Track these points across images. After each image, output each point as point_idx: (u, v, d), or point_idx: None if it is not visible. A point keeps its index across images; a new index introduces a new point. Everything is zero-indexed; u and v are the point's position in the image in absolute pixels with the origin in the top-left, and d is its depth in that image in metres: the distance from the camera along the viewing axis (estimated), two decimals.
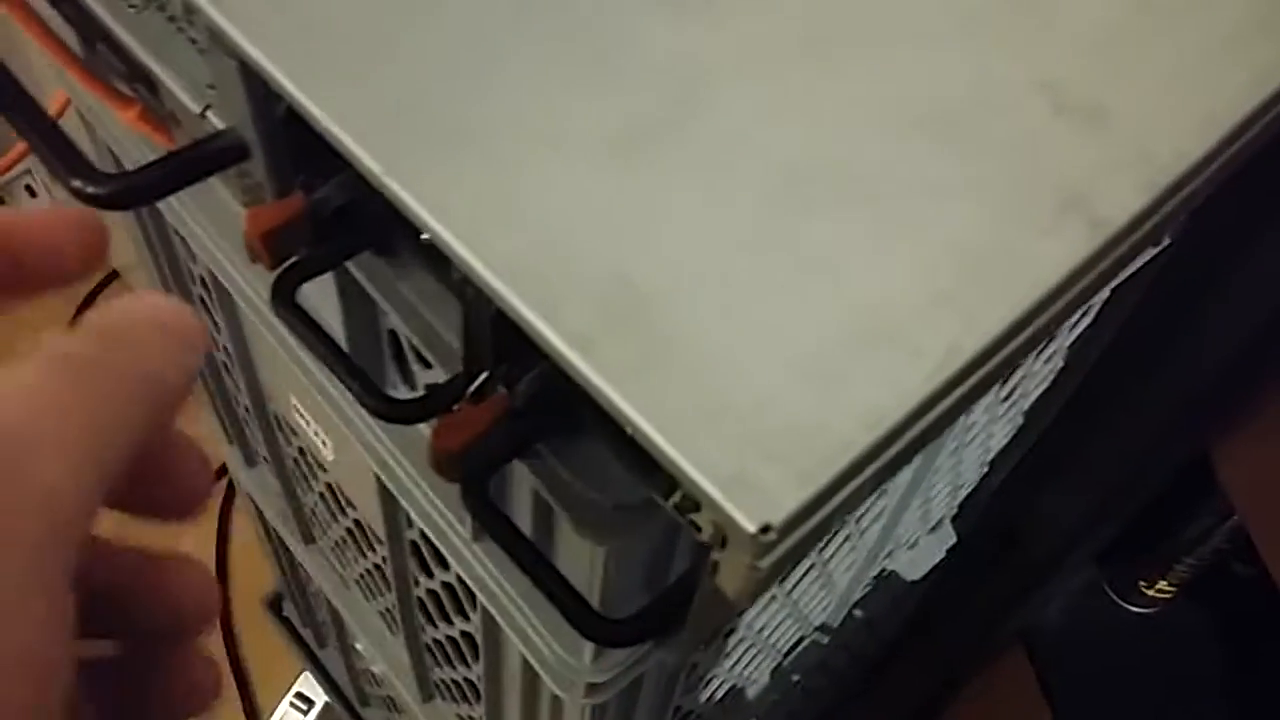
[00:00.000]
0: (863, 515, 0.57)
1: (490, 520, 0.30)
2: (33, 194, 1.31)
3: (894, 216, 0.24)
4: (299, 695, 1.06)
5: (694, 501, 0.26)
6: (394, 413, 0.31)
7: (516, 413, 0.29)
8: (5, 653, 0.14)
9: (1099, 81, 0.27)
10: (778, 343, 0.22)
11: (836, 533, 0.50)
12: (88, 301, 1.26)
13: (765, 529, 0.20)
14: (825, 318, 0.23)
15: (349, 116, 0.25)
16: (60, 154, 0.30)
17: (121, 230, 0.62)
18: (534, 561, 0.30)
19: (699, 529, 0.26)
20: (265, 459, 0.72)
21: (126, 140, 0.51)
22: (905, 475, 0.57)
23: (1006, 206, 0.25)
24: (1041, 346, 0.57)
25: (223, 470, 1.14)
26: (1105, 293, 0.56)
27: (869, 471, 0.22)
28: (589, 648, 0.40)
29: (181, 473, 0.20)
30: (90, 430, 0.16)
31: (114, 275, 1.27)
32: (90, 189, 0.29)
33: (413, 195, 0.24)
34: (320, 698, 1.06)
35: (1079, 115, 0.26)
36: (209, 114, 0.32)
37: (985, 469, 0.74)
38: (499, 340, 0.28)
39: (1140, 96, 0.27)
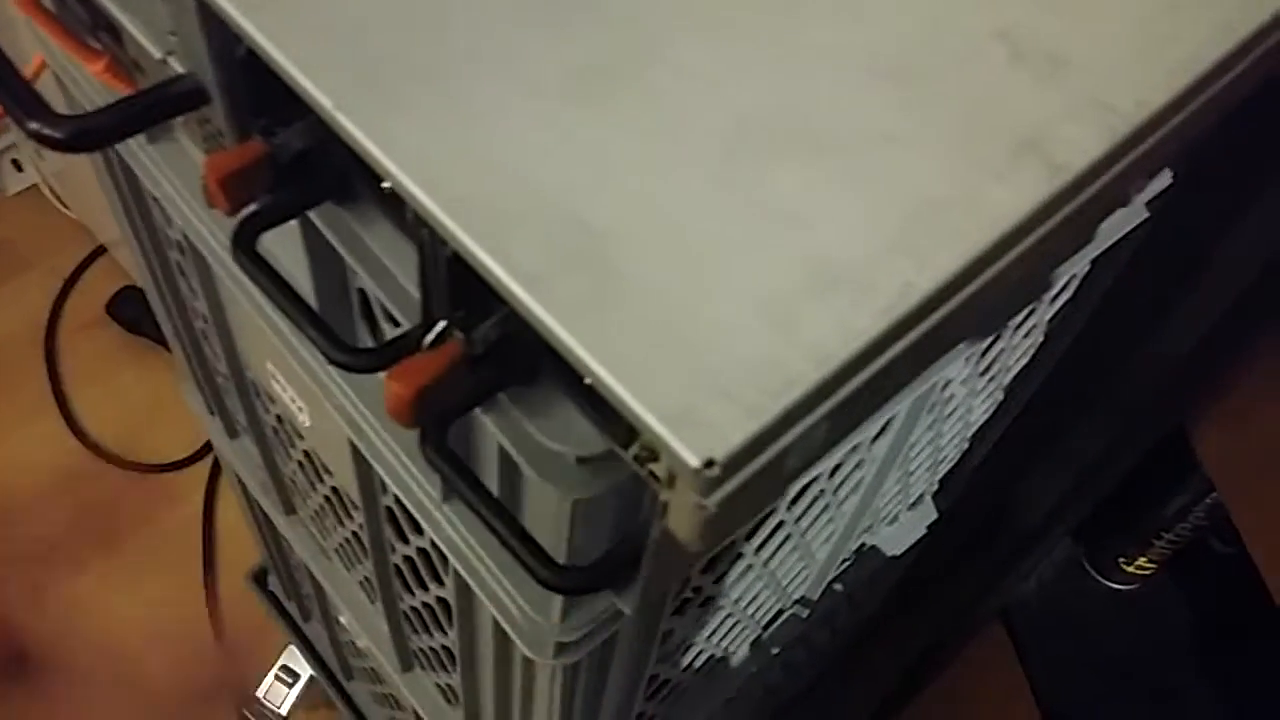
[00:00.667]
0: (840, 485, 0.57)
1: (447, 466, 0.30)
2: (19, 168, 1.30)
3: (850, 163, 0.24)
4: (284, 669, 1.06)
5: (652, 451, 0.26)
6: (354, 362, 0.31)
7: (475, 359, 0.29)
8: None
9: (1059, 31, 0.27)
10: (730, 284, 0.22)
11: (804, 489, 0.50)
12: (74, 276, 1.26)
13: (709, 463, 0.20)
14: (778, 260, 0.23)
15: (303, 54, 0.25)
16: (18, 97, 0.30)
17: (105, 206, 0.62)
18: (489, 507, 0.30)
19: (658, 480, 0.26)
20: (245, 429, 0.72)
21: (100, 100, 0.50)
22: (882, 447, 0.57)
23: (962, 153, 0.25)
24: (1021, 318, 0.57)
25: (207, 446, 1.14)
26: (1085, 267, 0.56)
27: (820, 411, 0.22)
28: (557, 607, 0.40)
29: None
30: None
31: (101, 250, 1.27)
32: (47, 130, 0.29)
33: (364, 132, 0.24)
34: (305, 671, 1.06)
35: (1038, 63, 0.26)
36: (170, 60, 0.31)
37: (966, 445, 0.74)
38: (455, 286, 0.28)
39: (1101, 46, 0.27)
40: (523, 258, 0.22)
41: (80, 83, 0.50)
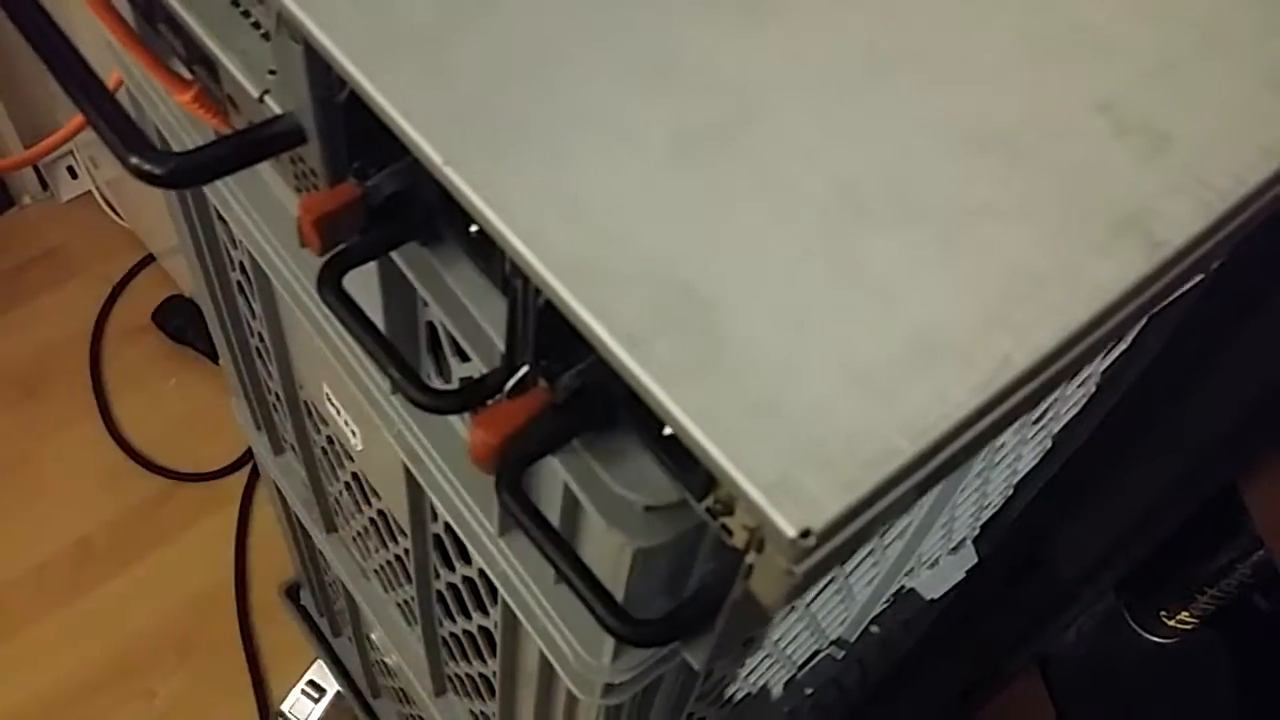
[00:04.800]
0: (888, 530, 0.57)
1: (524, 515, 0.30)
2: (73, 175, 1.33)
3: (950, 233, 0.24)
4: (311, 683, 1.06)
5: (727, 505, 0.27)
6: (434, 403, 0.31)
7: (556, 407, 0.29)
8: None
9: (1159, 107, 0.27)
10: (827, 352, 0.23)
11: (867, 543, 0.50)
12: (123, 284, 1.27)
13: (805, 533, 0.20)
14: (875, 330, 0.23)
15: (412, 106, 0.25)
16: (119, 131, 0.30)
17: (157, 216, 0.63)
18: (566, 559, 0.30)
19: (730, 533, 0.26)
20: (292, 446, 0.73)
21: (175, 122, 0.51)
22: (932, 495, 0.57)
23: (1061, 226, 0.25)
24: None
25: (245, 457, 1.15)
26: (1143, 320, 0.56)
27: (910, 482, 0.22)
28: (609, 648, 0.40)
29: None
30: None
31: (150, 258, 1.28)
32: (148, 166, 0.30)
33: (471, 187, 0.24)
34: (332, 686, 1.06)
35: (1139, 138, 0.26)
36: (267, 98, 0.32)
37: (1010, 491, 0.74)
38: (543, 334, 0.28)
39: (1200, 124, 0.27)
40: (624, 318, 0.23)
41: (159, 105, 0.51)
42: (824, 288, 0.24)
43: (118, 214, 1.29)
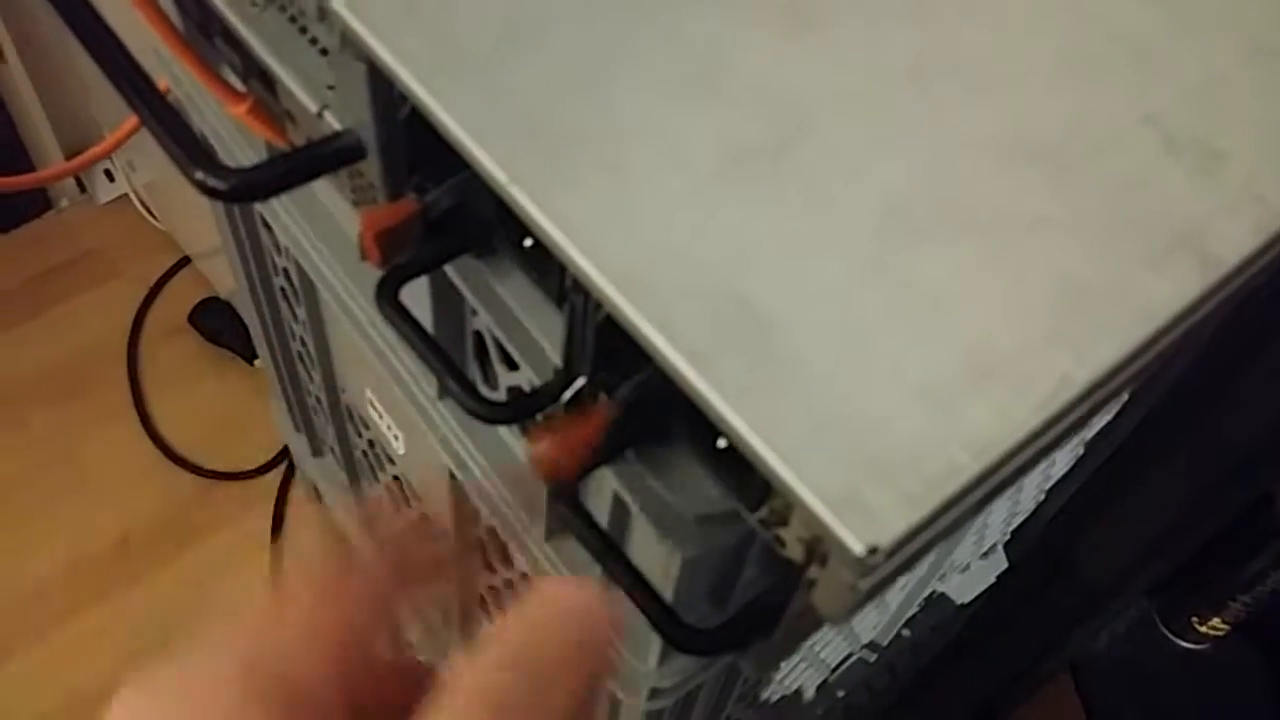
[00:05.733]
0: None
1: (582, 527, 0.31)
2: (110, 178, 1.34)
3: (1004, 248, 0.25)
4: None
5: (781, 516, 0.27)
6: (489, 414, 0.32)
7: (613, 420, 0.29)
8: None
9: (1210, 123, 0.27)
10: (888, 368, 0.23)
11: None
12: (159, 285, 1.29)
13: (873, 550, 0.21)
14: (937, 346, 0.23)
15: (475, 125, 0.26)
16: (184, 145, 0.31)
17: (193, 218, 0.63)
18: (624, 571, 0.30)
19: (783, 544, 0.27)
20: (332, 449, 0.74)
21: (223, 130, 0.52)
22: None
23: (1115, 241, 0.25)
24: None
25: (280, 456, 1.16)
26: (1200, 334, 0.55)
27: (973, 498, 0.23)
28: (655, 652, 0.40)
29: None
30: None
31: (186, 260, 1.30)
32: (213, 182, 0.30)
33: (535, 204, 0.24)
34: None
35: (1191, 153, 0.26)
36: (326, 113, 0.33)
37: (1042, 496, 0.74)
38: (601, 347, 0.29)
39: (1252, 140, 0.27)
40: (686, 334, 0.23)
41: (207, 114, 0.52)
42: (879, 303, 0.24)
43: (154, 216, 1.31)
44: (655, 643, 0.40)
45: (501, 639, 0.17)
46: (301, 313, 0.59)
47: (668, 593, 0.34)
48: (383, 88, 0.29)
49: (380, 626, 0.19)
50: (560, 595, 0.18)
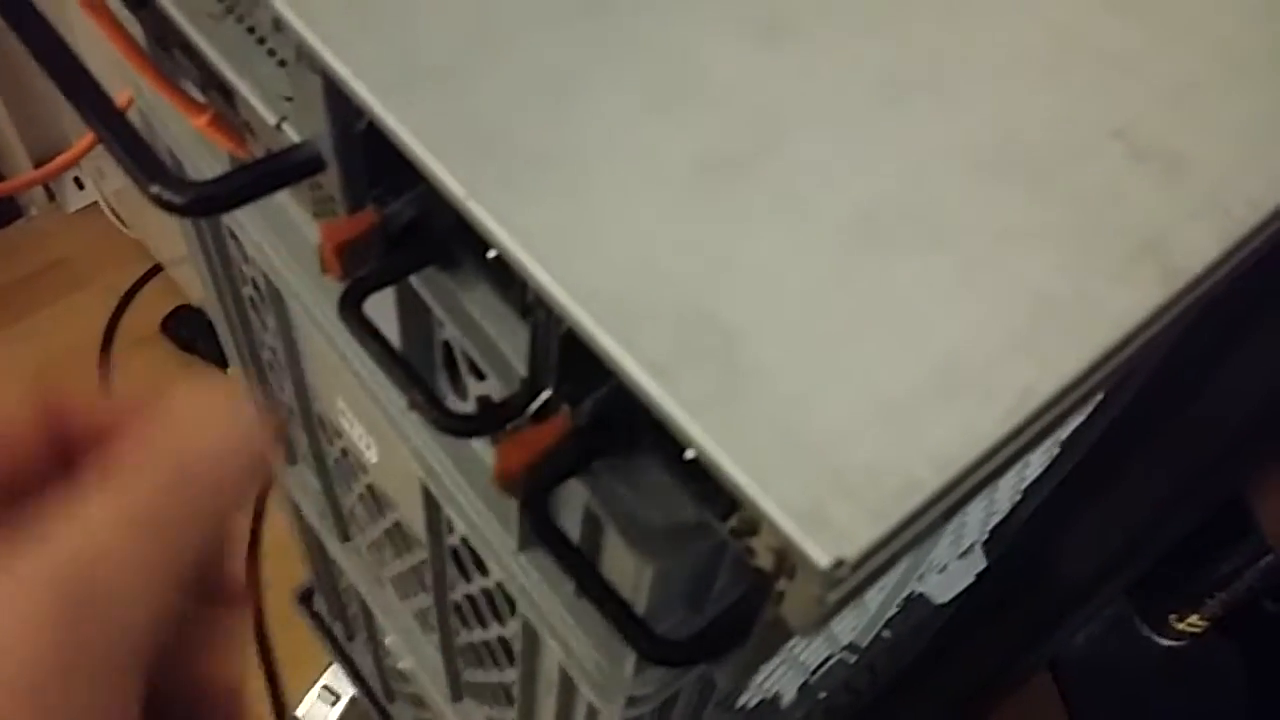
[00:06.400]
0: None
1: (549, 539, 0.30)
2: (80, 186, 1.33)
3: (970, 260, 0.25)
4: (326, 688, 1.07)
5: (751, 526, 0.27)
6: (454, 426, 0.31)
7: (578, 431, 0.29)
8: None
9: (1176, 131, 0.27)
10: (853, 382, 0.23)
11: None
12: (130, 294, 1.28)
13: (839, 564, 0.21)
14: (902, 359, 0.23)
15: (432, 137, 0.25)
16: (138, 158, 0.31)
17: (164, 226, 0.63)
18: (593, 583, 0.30)
19: (753, 554, 0.27)
20: (305, 457, 0.73)
21: (187, 144, 0.52)
22: None
23: (1080, 252, 0.25)
24: None
25: None
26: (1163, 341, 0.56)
27: (937, 510, 0.22)
28: (631, 661, 0.40)
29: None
30: (159, 574, 0.17)
31: (158, 268, 1.29)
32: (168, 195, 0.30)
33: (495, 219, 0.24)
34: (347, 691, 1.07)
35: (1155, 163, 0.26)
36: (285, 125, 0.32)
37: (1019, 496, 0.74)
38: (566, 360, 0.28)
39: (1216, 147, 0.27)
40: (649, 348, 0.23)
41: (171, 127, 0.52)
42: (847, 316, 0.24)
43: (124, 224, 1.30)
44: (630, 653, 0.40)
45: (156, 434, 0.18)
46: (271, 323, 0.58)
47: (640, 605, 0.34)
48: (339, 100, 0.28)
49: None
50: (214, 410, 0.19)
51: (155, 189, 0.30)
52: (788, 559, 0.23)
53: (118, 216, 1.30)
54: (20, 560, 0.16)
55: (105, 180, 1.28)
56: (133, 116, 0.58)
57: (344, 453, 0.64)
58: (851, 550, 0.21)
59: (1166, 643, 0.84)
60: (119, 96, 0.61)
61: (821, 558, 0.21)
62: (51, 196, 1.33)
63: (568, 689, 0.49)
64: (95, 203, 1.32)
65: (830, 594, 0.22)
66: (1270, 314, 0.61)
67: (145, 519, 0.17)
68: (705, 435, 0.22)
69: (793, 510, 0.21)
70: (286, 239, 0.48)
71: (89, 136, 0.67)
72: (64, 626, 0.15)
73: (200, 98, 0.40)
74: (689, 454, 0.29)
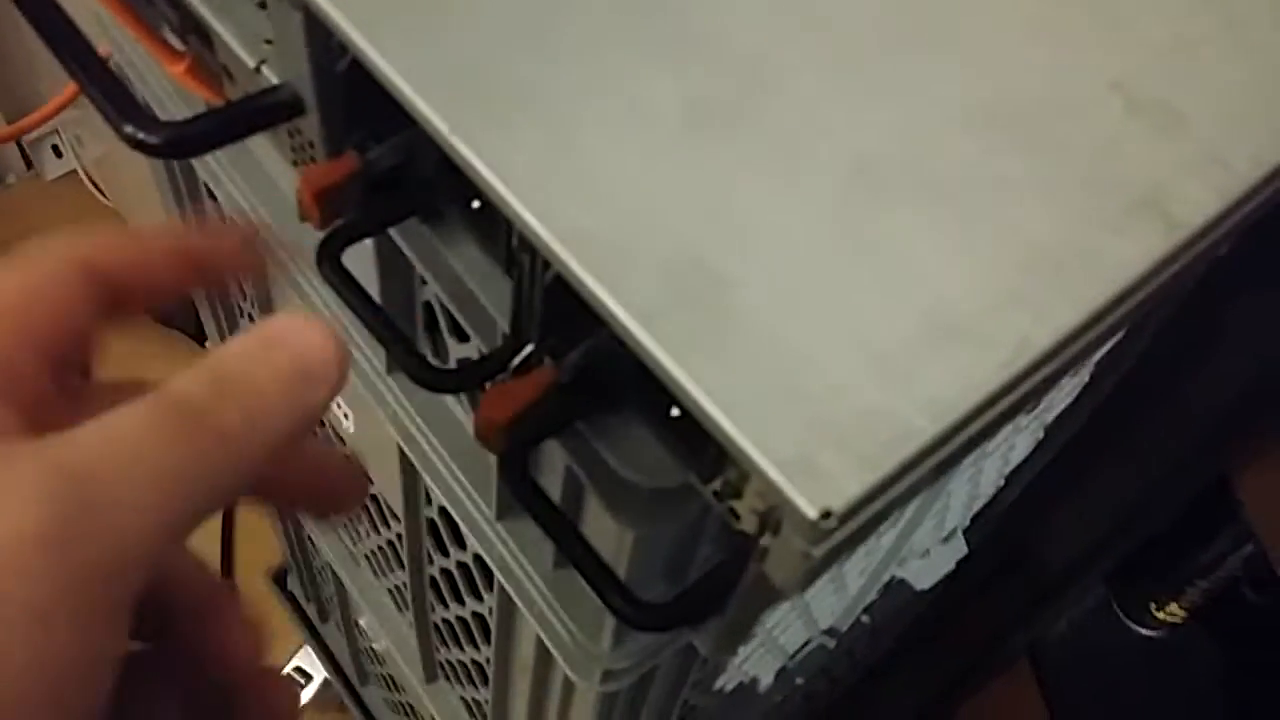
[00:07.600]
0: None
1: (528, 498, 0.30)
2: (58, 154, 1.31)
3: (967, 210, 0.24)
4: (297, 669, 1.06)
5: (735, 488, 0.26)
6: (437, 381, 0.30)
7: (562, 387, 0.28)
8: (48, 669, 0.14)
9: (1175, 86, 0.27)
10: (847, 331, 0.22)
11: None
12: None
13: (826, 514, 0.20)
14: (896, 308, 0.22)
15: (416, 74, 0.24)
16: (113, 99, 0.30)
17: (143, 195, 0.62)
18: (573, 544, 0.29)
19: (737, 517, 0.26)
20: None
21: (166, 96, 0.50)
22: None
23: (1079, 204, 0.24)
24: None
25: None
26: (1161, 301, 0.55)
27: (930, 462, 0.22)
28: (609, 633, 0.39)
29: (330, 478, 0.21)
30: (175, 491, 0.16)
31: None
32: (142, 135, 0.29)
33: (477, 155, 0.23)
34: (319, 673, 1.06)
35: (1153, 117, 0.26)
36: (264, 69, 0.31)
37: (1002, 482, 0.74)
38: (549, 311, 0.27)
39: (1216, 101, 0.26)
40: (637, 293, 0.22)
41: (149, 78, 0.50)
42: (840, 264, 0.23)
43: (103, 194, 1.28)
44: (609, 624, 0.39)
45: (213, 359, 0.17)
46: (248, 286, 0.57)
47: (621, 569, 0.34)
48: (320, 37, 0.27)
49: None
50: (284, 331, 0.18)
51: (129, 129, 0.29)
52: (773, 516, 0.23)
53: (96, 186, 1.28)
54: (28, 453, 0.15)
55: (84, 149, 1.26)
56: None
57: (321, 423, 0.63)
58: (839, 501, 0.20)
59: (1146, 632, 0.84)
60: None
61: (809, 508, 0.20)
62: (30, 165, 1.31)
63: (543, 665, 0.48)
64: (74, 171, 1.30)
65: (816, 548, 0.21)
66: (1252, 300, 0.61)
67: (181, 417, 0.16)
68: (692, 383, 0.21)
69: (780, 458, 0.20)
70: (263, 194, 0.47)
71: (64, 93, 0.65)
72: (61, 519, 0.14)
73: (180, 45, 0.38)
74: (674, 412, 0.28)
